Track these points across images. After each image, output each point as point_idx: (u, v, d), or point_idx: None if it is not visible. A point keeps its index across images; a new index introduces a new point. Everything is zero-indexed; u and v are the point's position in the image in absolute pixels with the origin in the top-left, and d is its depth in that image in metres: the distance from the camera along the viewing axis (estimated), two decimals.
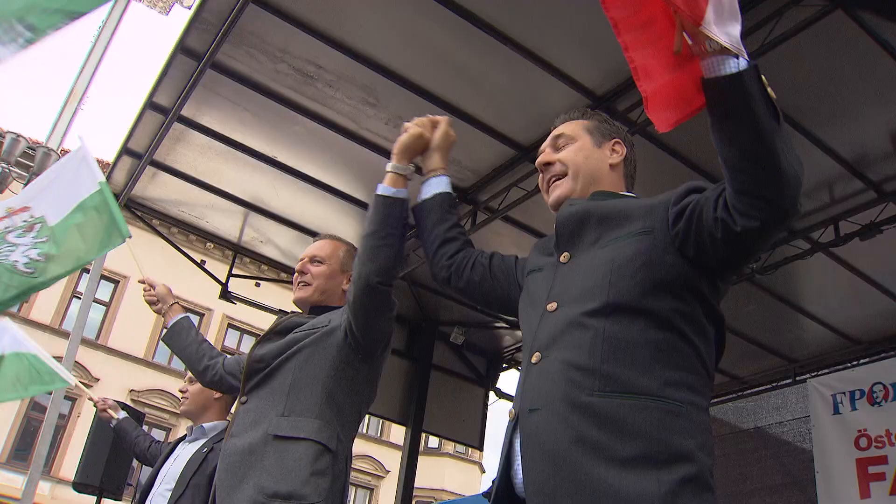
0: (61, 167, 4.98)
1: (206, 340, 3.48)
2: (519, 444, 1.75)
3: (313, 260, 2.96)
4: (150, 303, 3.66)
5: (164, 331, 3.58)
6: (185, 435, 4.31)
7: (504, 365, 9.73)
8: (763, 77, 1.55)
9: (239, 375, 3.07)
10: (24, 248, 4.61)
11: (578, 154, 2.09)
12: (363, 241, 2.42)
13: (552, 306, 1.86)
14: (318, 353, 2.65)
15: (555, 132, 2.17)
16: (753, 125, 1.54)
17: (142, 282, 3.75)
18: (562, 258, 1.95)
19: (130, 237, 4.64)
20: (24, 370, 5.51)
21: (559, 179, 2.09)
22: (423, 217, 2.37)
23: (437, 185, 2.38)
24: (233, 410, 4.40)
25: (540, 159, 2.15)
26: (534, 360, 1.81)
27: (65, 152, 17.93)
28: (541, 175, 2.16)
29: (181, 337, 3.48)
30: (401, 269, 2.50)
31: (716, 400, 8.88)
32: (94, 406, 5.42)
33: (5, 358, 5.64)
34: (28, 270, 4.54)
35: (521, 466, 1.73)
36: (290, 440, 2.51)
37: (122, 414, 5.25)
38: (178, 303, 3.66)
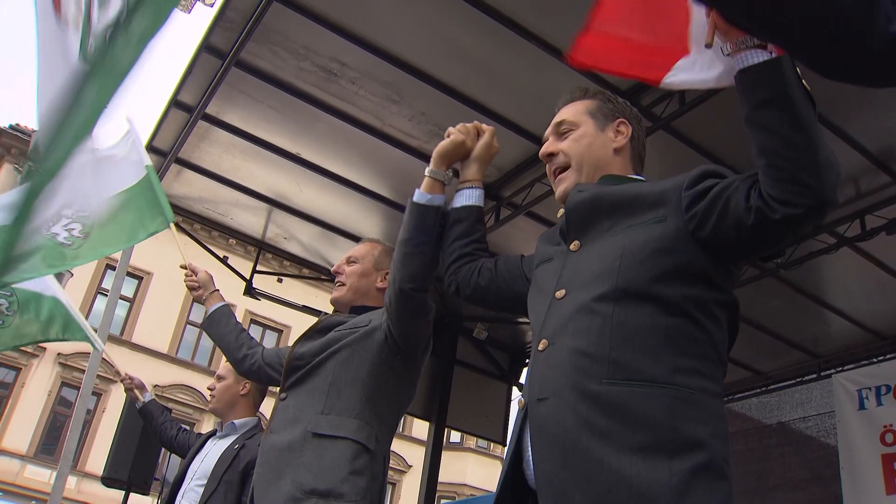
0: (108, 155, 4.77)
1: (245, 330, 3.42)
2: (528, 434, 1.74)
3: (349, 260, 2.99)
4: (192, 288, 3.61)
5: (205, 317, 3.51)
6: (215, 430, 4.35)
7: (527, 360, 9.70)
8: (798, 68, 1.55)
9: (278, 368, 3.11)
10: (67, 221, 4.39)
11: (581, 142, 2.05)
12: (398, 247, 2.41)
13: (560, 293, 1.84)
14: (359, 353, 2.67)
15: (557, 118, 2.13)
16: (793, 111, 1.54)
17: (184, 267, 3.67)
18: (571, 246, 1.92)
19: (174, 222, 4.51)
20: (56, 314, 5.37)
21: (563, 172, 2.06)
22: (448, 226, 2.34)
23: (468, 197, 2.34)
24: (263, 406, 4.46)
25: (543, 149, 2.13)
26: (541, 347, 1.80)
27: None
28: (547, 165, 2.14)
29: (221, 324, 3.41)
30: (433, 275, 2.47)
31: (739, 395, 8.84)
32: (122, 382, 5.17)
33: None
34: (66, 243, 4.32)
35: (531, 457, 1.72)
36: (330, 438, 2.54)
37: (149, 395, 5.12)
38: (218, 290, 3.60)
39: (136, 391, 5.07)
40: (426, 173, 2.38)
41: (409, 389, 2.80)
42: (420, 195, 2.35)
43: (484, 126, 2.42)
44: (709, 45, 1.63)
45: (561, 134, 2.10)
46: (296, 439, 2.56)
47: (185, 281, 3.64)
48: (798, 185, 1.57)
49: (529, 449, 1.73)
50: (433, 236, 2.35)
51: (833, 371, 7.96)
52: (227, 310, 3.48)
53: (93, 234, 4.40)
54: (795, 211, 1.58)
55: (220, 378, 4.34)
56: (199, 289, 3.58)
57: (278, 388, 2.81)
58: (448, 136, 2.39)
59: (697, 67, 1.82)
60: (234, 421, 4.23)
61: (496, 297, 2.24)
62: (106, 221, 4.46)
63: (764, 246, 1.73)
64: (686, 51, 1.82)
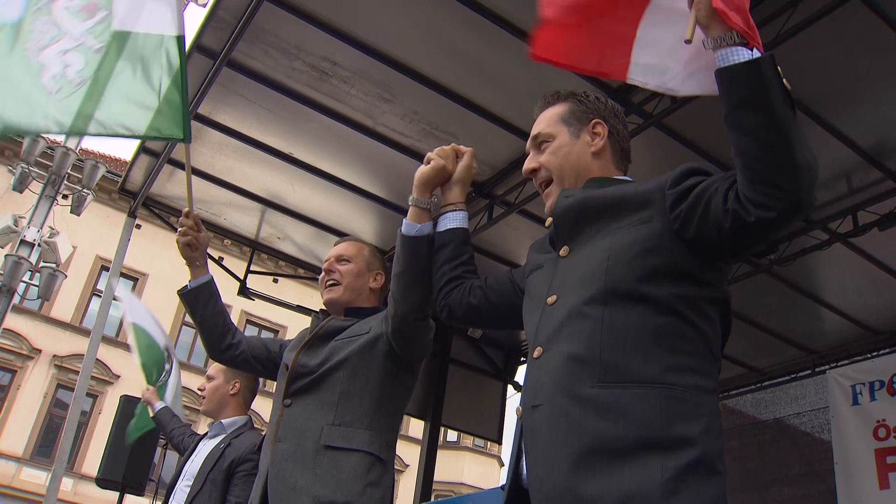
0: None
1: (226, 312, 3.19)
2: (523, 442, 1.75)
3: (340, 259, 2.95)
4: (189, 245, 3.06)
5: (189, 286, 3.08)
6: (207, 431, 4.36)
7: (522, 358, 9.72)
8: (779, 67, 1.54)
9: (265, 363, 3.08)
10: (68, 47, 3.14)
11: (558, 154, 2.04)
12: (395, 280, 2.40)
13: (552, 299, 1.84)
14: (366, 364, 2.67)
15: (533, 130, 2.12)
16: (770, 114, 1.52)
17: (187, 215, 3.08)
18: (561, 252, 1.92)
19: (189, 142, 3.22)
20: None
21: (548, 186, 2.06)
22: (435, 251, 2.32)
23: (453, 220, 2.32)
24: (262, 406, 4.47)
25: (525, 167, 2.12)
26: (535, 354, 1.81)
27: (84, 152, 18.02)
28: (532, 180, 2.13)
29: (209, 304, 3.08)
30: (432, 300, 2.43)
31: (734, 391, 8.87)
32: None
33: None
34: (52, 86, 3.08)
35: (524, 463, 1.73)
36: (344, 451, 2.54)
37: (160, 404, 5.41)
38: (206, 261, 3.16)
39: (151, 399, 5.50)
40: (411, 203, 2.35)
41: (410, 393, 2.83)
42: (409, 226, 2.33)
43: (462, 148, 2.40)
44: (688, 41, 1.61)
45: (539, 147, 2.10)
46: (308, 451, 2.55)
47: (181, 235, 3.07)
48: (772, 187, 1.56)
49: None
50: (428, 265, 2.34)
51: (827, 367, 7.97)
52: (215, 287, 3.14)
53: (89, 84, 3.10)
54: (769, 214, 1.57)
55: (210, 378, 4.33)
56: (196, 249, 3.08)
57: (282, 395, 2.77)
58: (428, 163, 2.35)
59: (669, 75, 1.83)
60: (223, 420, 4.24)
61: (490, 314, 2.23)
62: (110, 73, 3.10)
63: (744, 248, 1.72)
64: (632, 36, 1.88)
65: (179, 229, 3.09)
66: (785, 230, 1.66)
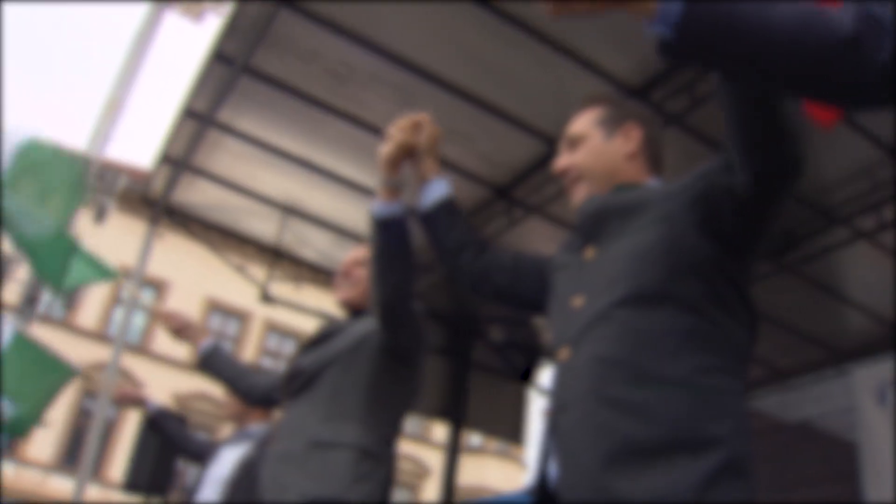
0: None
1: (237, 360, 3.39)
2: (552, 443, 1.75)
3: (358, 263, 2.99)
4: (179, 330, 3.29)
5: (201, 357, 3.27)
6: (229, 438, 4.37)
7: (543, 361, 9.70)
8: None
9: None
10: None
11: (590, 155, 2.04)
12: (373, 265, 2.40)
13: (578, 302, 1.84)
14: (358, 360, 2.67)
15: (568, 132, 2.12)
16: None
17: (159, 314, 3.36)
18: (586, 254, 1.92)
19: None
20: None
21: (577, 184, 2.06)
22: (432, 226, 2.25)
23: (436, 190, 2.27)
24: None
25: (556, 165, 2.12)
26: (562, 357, 1.80)
27: (106, 163, 18.15)
28: (563, 180, 2.13)
29: (220, 361, 3.26)
30: (414, 281, 2.47)
31: (757, 392, 8.78)
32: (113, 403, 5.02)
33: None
34: None
35: (553, 466, 1.73)
36: (332, 446, 2.54)
37: (152, 405, 4.79)
38: (204, 328, 3.41)
39: (138, 406, 4.84)
40: (380, 184, 2.33)
41: (413, 388, 2.80)
42: (380, 208, 2.32)
43: (419, 116, 2.32)
44: None
45: (572, 147, 2.09)
46: (298, 449, 2.57)
47: (168, 327, 3.31)
48: (760, 152, 1.56)
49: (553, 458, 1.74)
50: (404, 246, 2.35)
51: (852, 366, 7.88)
52: (219, 347, 3.33)
53: None
54: (752, 179, 1.57)
55: None
56: (186, 329, 3.30)
57: (285, 399, 2.82)
58: (390, 141, 2.28)
59: None
60: (249, 427, 4.25)
61: (516, 297, 2.22)
62: None
63: (753, 222, 1.70)
64: None
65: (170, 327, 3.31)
66: (782, 196, 1.63)
